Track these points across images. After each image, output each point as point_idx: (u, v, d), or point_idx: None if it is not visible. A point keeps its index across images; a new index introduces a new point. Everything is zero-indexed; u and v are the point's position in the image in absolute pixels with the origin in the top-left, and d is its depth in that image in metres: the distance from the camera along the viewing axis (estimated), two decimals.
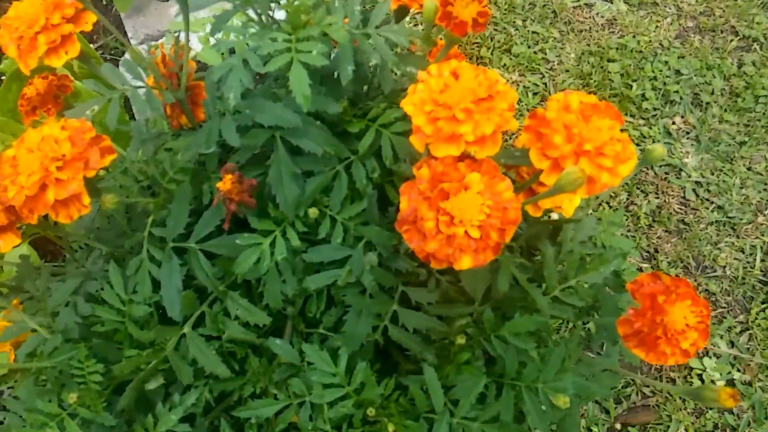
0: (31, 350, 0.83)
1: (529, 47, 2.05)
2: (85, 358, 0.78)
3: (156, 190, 0.83)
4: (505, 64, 2.01)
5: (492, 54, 2.02)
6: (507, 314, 0.84)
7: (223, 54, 1.55)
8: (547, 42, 2.06)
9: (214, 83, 0.82)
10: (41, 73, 0.95)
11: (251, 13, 0.80)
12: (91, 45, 1.93)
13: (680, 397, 1.44)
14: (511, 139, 1.76)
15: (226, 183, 0.68)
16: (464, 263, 0.64)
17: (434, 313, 0.83)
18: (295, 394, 0.84)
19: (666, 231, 1.68)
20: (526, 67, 2.01)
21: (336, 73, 0.81)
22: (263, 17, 0.79)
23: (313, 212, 0.78)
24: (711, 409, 1.42)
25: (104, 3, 2.12)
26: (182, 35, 0.84)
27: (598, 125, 0.68)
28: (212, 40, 1.57)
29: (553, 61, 2.02)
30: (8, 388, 1.35)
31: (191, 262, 0.82)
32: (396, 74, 0.89)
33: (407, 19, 0.84)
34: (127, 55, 1.69)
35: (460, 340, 0.82)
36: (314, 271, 0.85)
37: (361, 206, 0.81)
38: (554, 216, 1.01)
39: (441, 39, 0.88)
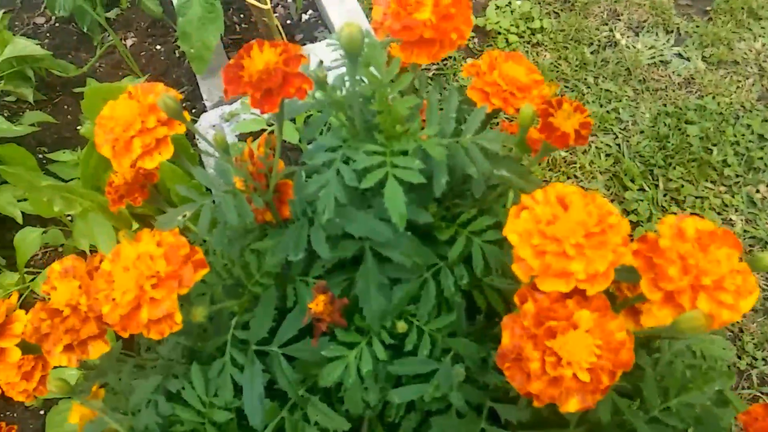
0: None
1: (601, 106, 2.00)
2: None
3: (240, 290, 0.82)
4: None
5: None
6: None
7: (298, 130, 1.56)
8: (620, 101, 2.00)
9: (303, 182, 0.81)
10: None
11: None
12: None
13: None
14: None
15: (318, 304, 0.66)
16: (570, 406, 0.60)
17: None
18: None
19: (752, 310, 1.58)
20: (599, 127, 1.95)
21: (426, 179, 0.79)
22: (356, 121, 0.78)
23: (402, 327, 0.76)
24: None
25: (180, 59, 2.18)
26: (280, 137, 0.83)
27: (717, 256, 0.63)
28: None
29: (627, 121, 1.96)
30: None
31: (273, 366, 0.81)
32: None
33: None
34: (203, 120, 1.72)
35: None
36: (396, 378, 0.82)
37: (449, 318, 0.78)
38: None
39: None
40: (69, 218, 1.69)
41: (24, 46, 1.88)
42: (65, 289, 0.73)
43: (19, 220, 1.71)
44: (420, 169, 0.68)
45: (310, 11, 2.16)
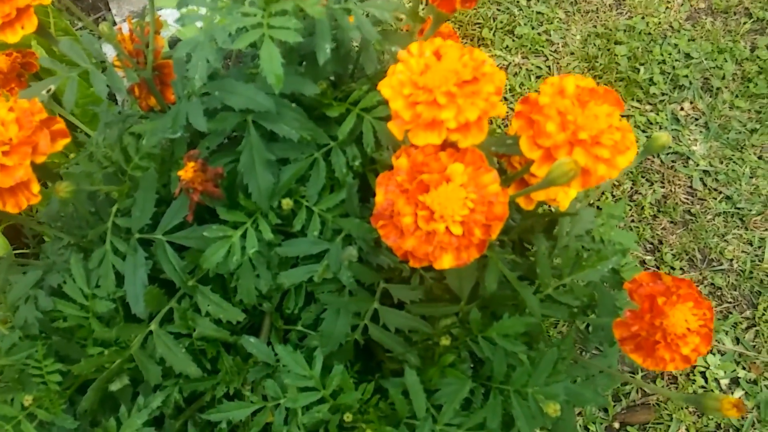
0: None
1: (533, 28, 1.97)
2: (44, 357, 0.73)
3: (121, 177, 0.78)
4: (507, 46, 1.93)
5: (494, 35, 1.94)
6: (495, 314, 0.78)
7: None
8: (551, 23, 1.98)
9: (183, 62, 0.76)
10: (5, 50, 0.90)
11: None
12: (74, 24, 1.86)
13: None
14: (505, 126, 1.70)
15: (188, 171, 0.63)
16: (445, 262, 0.59)
17: (417, 312, 0.77)
18: (270, 397, 0.79)
19: (671, 222, 1.62)
20: (530, 49, 1.93)
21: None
22: None
23: (287, 203, 0.73)
24: None
25: None
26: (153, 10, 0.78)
27: (596, 112, 0.62)
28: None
29: (558, 43, 1.95)
30: None
31: (158, 254, 0.77)
32: (382, 54, 0.83)
33: None
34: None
35: (445, 341, 0.76)
36: (290, 265, 0.79)
37: (340, 197, 0.76)
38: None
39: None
40: None
41: None
42: None
43: None
44: (302, 42, 0.64)
45: None
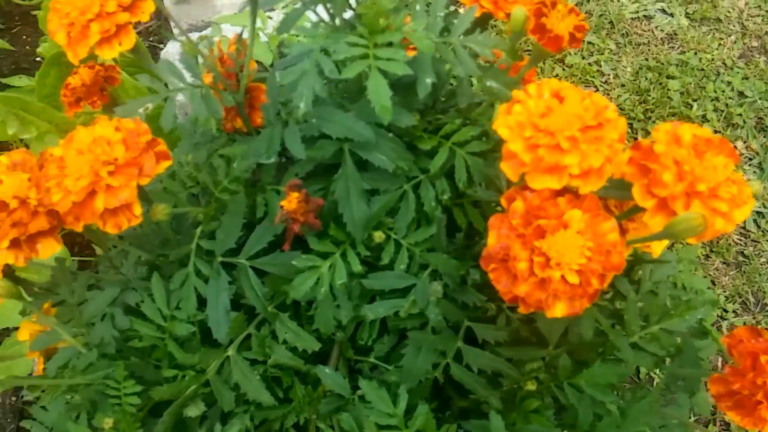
0: (63, 363, 0.77)
1: (583, 58, 1.96)
2: (124, 379, 0.71)
3: (207, 198, 0.77)
4: (557, 75, 1.92)
5: (544, 63, 1.93)
6: (582, 360, 0.76)
7: (272, 51, 1.48)
8: (602, 54, 1.97)
9: (277, 87, 0.75)
10: (87, 62, 0.89)
11: (322, 13, 0.73)
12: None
13: None
14: None
15: (291, 202, 0.61)
16: (557, 311, 0.57)
17: (505, 354, 0.75)
18: (344, 431, 0.77)
19: (724, 263, 1.58)
20: (580, 79, 1.92)
21: (409, 84, 0.74)
22: (337, 19, 0.72)
23: (379, 236, 0.71)
24: None
25: None
26: (245, 33, 0.77)
27: (714, 163, 0.60)
28: (263, 36, 1.50)
29: (609, 74, 1.93)
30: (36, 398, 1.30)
31: (241, 279, 0.76)
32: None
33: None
34: (171, 48, 1.63)
35: (531, 386, 0.74)
36: (369, 298, 0.78)
37: (429, 231, 0.74)
38: None
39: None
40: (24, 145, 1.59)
41: None
42: (13, 182, 0.66)
43: None
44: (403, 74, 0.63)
45: None
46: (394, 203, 0.74)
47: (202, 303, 0.76)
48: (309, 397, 0.81)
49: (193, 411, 0.74)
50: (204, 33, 1.64)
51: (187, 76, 0.73)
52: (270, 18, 1.59)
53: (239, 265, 0.76)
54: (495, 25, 1.95)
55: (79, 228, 0.62)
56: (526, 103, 0.59)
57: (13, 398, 1.42)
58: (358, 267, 0.72)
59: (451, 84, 0.80)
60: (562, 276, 0.56)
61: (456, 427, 0.74)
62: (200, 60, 0.78)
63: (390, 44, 0.65)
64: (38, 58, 1.96)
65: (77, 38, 0.70)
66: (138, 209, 0.61)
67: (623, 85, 1.90)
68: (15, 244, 0.65)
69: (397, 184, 0.75)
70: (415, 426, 0.72)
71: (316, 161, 0.75)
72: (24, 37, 2.05)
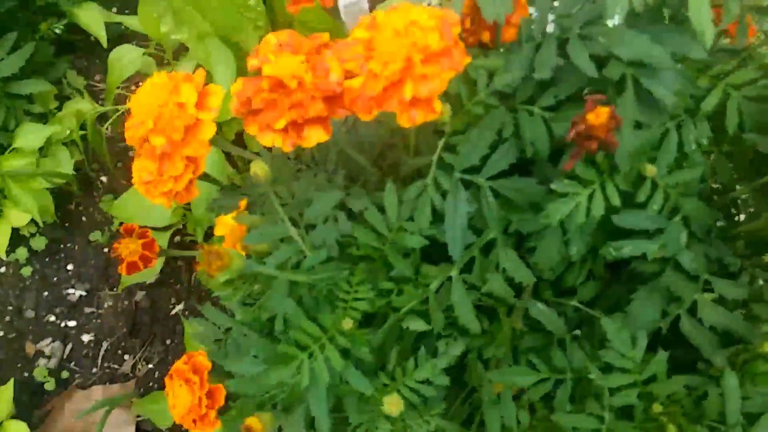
0: (282, 261, 0.75)
1: None
2: (357, 283, 0.69)
3: (453, 109, 0.73)
4: None
5: None
6: None
7: None
8: None
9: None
10: None
11: None
12: None
13: None
14: None
15: (600, 116, 0.57)
16: None
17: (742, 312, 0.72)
18: (556, 368, 0.75)
19: None
20: None
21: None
22: None
23: (651, 170, 0.67)
24: None
25: None
26: None
27: None
28: None
29: None
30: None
31: (478, 199, 0.73)
32: None
33: None
34: None
35: (766, 348, 0.71)
36: (607, 235, 0.74)
37: (690, 174, 0.70)
38: None
39: None
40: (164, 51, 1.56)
41: None
42: (289, 62, 0.63)
43: (104, 43, 1.58)
44: None
45: None
46: (656, 140, 0.70)
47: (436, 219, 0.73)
48: (513, 331, 0.79)
49: (417, 325, 0.72)
50: None
51: None
52: None
53: (479, 184, 0.72)
54: None
55: (368, 117, 0.59)
56: None
57: (126, 302, 1.43)
58: (616, 201, 0.68)
59: None
60: None
61: (684, 378, 0.72)
62: None
63: None
64: None
65: None
66: (438, 105, 0.58)
67: None
68: (291, 126, 0.63)
69: (661, 119, 0.70)
70: (648, 372, 0.70)
71: (576, 85, 0.71)
72: None
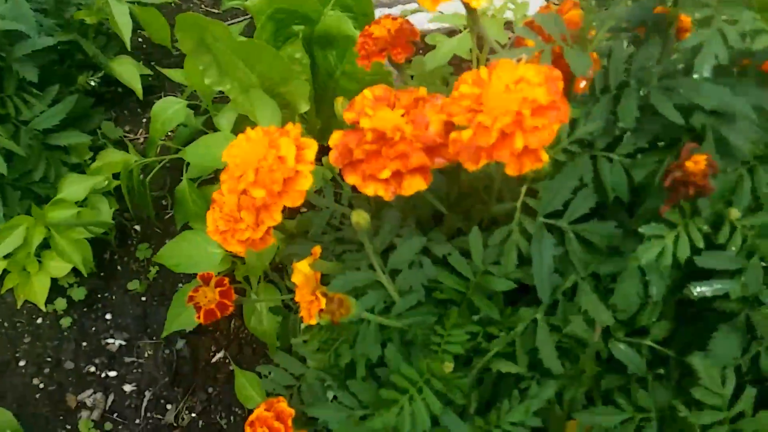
0: (369, 307, 0.76)
1: None
2: (451, 327, 0.71)
3: None
4: None
5: None
6: None
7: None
8: None
9: (623, 50, 0.75)
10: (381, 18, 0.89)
11: None
12: None
13: None
14: None
15: (698, 163, 0.61)
16: None
17: None
18: (638, 407, 0.77)
19: None
20: None
21: None
22: None
23: (734, 214, 0.70)
24: None
25: None
26: None
27: None
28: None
29: None
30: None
31: (560, 242, 0.75)
32: None
33: None
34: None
35: None
36: (682, 276, 0.77)
37: (766, 216, 0.73)
38: None
39: None
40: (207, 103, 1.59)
41: None
42: (388, 116, 0.66)
43: (140, 95, 1.62)
44: None
45: None
46: (731, 184, 0.74)
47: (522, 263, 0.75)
48: (594, 372, 0.80)
49: (509, 367, 0.73)
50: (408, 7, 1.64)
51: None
52: None
53: (562, 228, 0.75)
54: None
55: (475, 167, 0.62)
56: None
57: (167, 351, 1.43)
58: (700, 242, 0.71)
59: None
60: None
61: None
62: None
63: None
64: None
65: None
66: (545, 155, 0.61)
67: None
68: (393, 176, 0.65)
69: (734, 165, 0.74)
70: (737, 408, 0.71)
71: (652, 133, 0.74)
72: None
